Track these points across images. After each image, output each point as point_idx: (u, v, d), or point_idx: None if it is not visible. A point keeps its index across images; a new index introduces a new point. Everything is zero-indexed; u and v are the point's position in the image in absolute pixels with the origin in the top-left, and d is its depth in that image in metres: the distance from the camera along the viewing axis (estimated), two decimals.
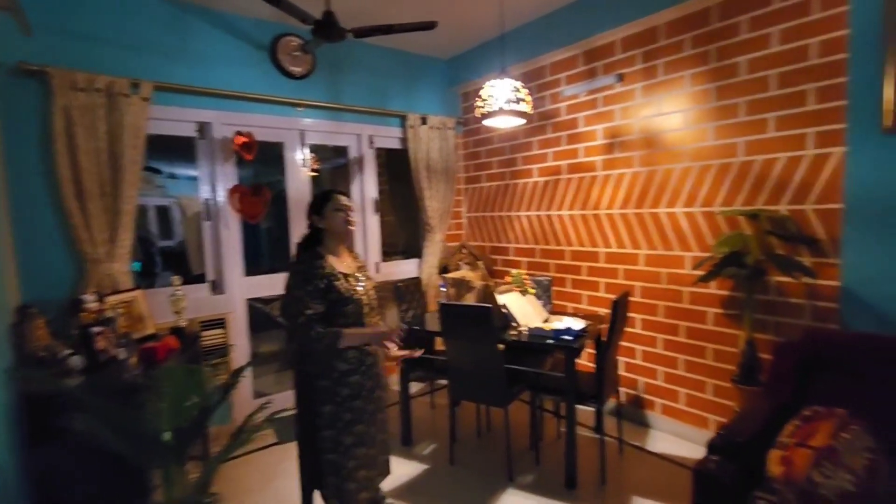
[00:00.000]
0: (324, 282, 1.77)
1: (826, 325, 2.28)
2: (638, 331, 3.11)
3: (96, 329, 1.95)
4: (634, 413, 3.17)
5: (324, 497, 1.89)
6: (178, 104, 2.95)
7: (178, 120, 2.99)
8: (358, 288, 1.88)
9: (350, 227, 1.91)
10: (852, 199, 2.14)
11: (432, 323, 2.97)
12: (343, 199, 1.91)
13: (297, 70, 3.33)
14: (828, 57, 2.21)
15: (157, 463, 1.33)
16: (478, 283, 2.85)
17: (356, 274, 1.93)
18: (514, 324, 2.68)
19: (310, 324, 1.72)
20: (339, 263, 1.89)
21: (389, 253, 4.34)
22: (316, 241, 1.89)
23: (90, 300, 2.08)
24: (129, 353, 2.03)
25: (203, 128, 3.09)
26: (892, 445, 1.64)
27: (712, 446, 1.73)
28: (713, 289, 2.71)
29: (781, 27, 2.35)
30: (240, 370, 1.59)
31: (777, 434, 1.65)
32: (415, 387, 3.66)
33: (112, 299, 2.32)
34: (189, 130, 3.06)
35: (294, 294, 1.77)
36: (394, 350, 1.92)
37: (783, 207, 2.41)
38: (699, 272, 2.59)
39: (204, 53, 3.02)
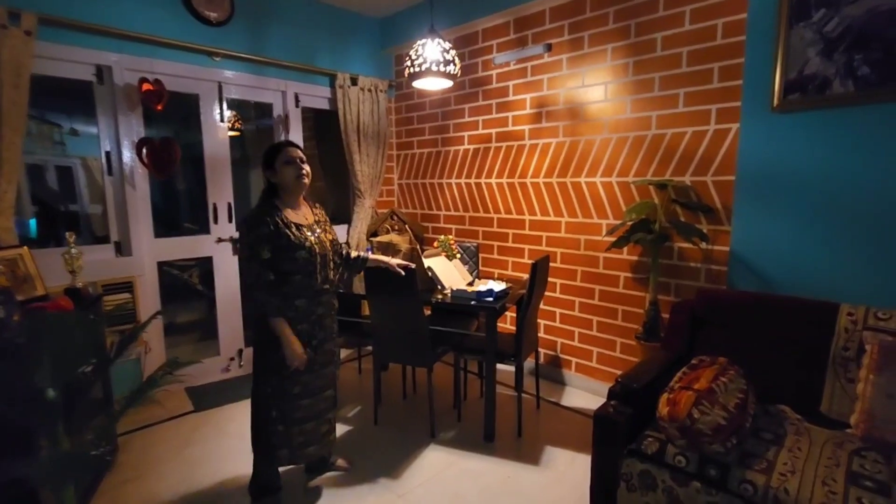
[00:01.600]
0: (270, 227, 1.81)
1: (717, 286, 2.52)
2: (557, 295, 3.27)
3: None
4: (552, 372, 3.36)
5: (272, 447, 1.93)
6: (71, 42, 2.63)
7: (72, 61, 2.67)
8: (310, 237, 1.90)
9: (303, 181, 1.92)
10: (742, 171, 2.35)
11: (359, 287, 2.94)
12: (292, 151, 1.90)
13: (213, 15, 3.07)
14: (730, 38, 2.38)
15: (39, 421, 1.23)
16: (404, 247, 2.85)
17: (312, 225, 1.96)
18: (439, 286, 2.72)
19: (260, 282, 1.79)
20: (294, 215, 1.92)
21: None
22: (272, 195, 1.92)
23: None
24: (10, 312, 1.83)
25: (102, 71, 2.78)
26: (759, 386, 1.88)
27: (611, 393, 1.88)
28: (625, 254, 2.89)
29: (693, 6, 2.49)
30: (142, 325, 1.49)
31: (669, 382, 1.82)
32: (343, 353, 3.64)
33: None
34: (86, 74, 2.75)
35: (244, 242, 1.82)
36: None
37: (688, 178, 2.60)
38: (611, 238, 2.76)
39: None
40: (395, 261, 2.35)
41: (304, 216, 1.96)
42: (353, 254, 2.23)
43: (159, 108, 2.86)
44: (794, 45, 2.13)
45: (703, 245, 2.53)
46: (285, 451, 1.95)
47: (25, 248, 2.26)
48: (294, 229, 1.87)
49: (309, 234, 1.92)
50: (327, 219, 2.10)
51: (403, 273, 2.34)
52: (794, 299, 2.04)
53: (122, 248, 2.96)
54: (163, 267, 3.21)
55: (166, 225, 3.50)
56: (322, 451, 2.09)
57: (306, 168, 1.92)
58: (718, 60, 2.43)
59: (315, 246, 1.91)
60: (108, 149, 2.87)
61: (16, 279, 2.16)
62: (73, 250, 2.33)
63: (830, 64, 2.05)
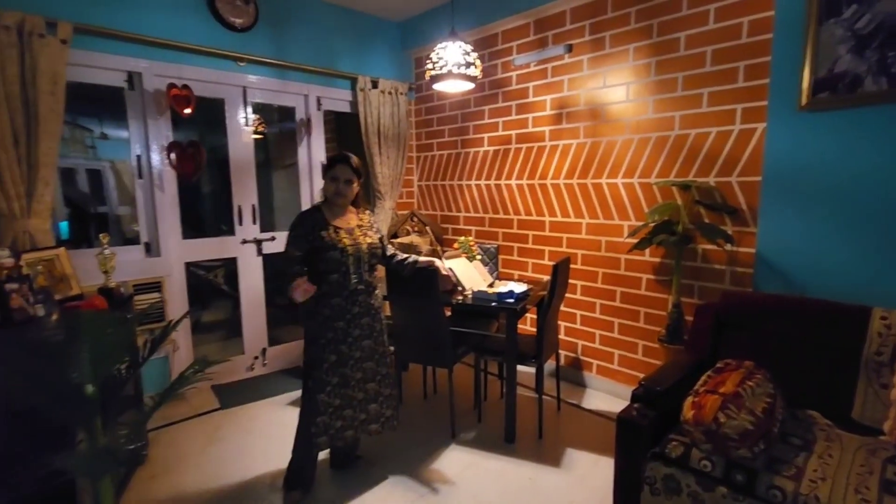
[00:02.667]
0: (307, 229, 1.98)
1: (742, 288, 2.48)
2: (578, 297, 3.25)
3: (11, 286, 1.81)
4: (572, 374, 3.34)
5: (313, 434, 2.05)
6: (104, 50, 2.72)
7: (104, 68, 2.77)
8: (345, 239, 2.03)
9: (338, 199, 2.06)
10: (769, 172, 2.30)
11: (380, 288, 2.97)
12: (339, 171, 2.04)
13: (238, 21, 3.15)
14: (756, 36, 2.34)
15: (79, 416, 1.28)
16: (425, 248, 2.88)
17: (352, 229, 2.09)
18: (459, 288, 2.73)
19: (284, 257, 1.99)
20: (336, 219, 2.07)
21: None
22: (324, 199, 2.10)
23: (4, 255, 1.92)
24: (49, 311, 1.91)
25: (133, 78, 2.88)
26: (787, 391, 1.84)
27: (635, 396, 1.87)
28: (647, 256, 2.86)
29: (717, 5, 2.45)
30: (173, 324, 1.53)
31: (693, 385, 1.80)
32: None
33: (29, 256, 2.16)
34: (118, 80, 2.85)
35: (287, 238, 2.02)
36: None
37: (712, 179, 2.56)
38: (633, 240, 2.73)
39: None
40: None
41: (346, 220, 2.10)
42: (400, 257, 2.32)
43: (187, 112, 2.94)
44: (823, 42, 2.08)
45: (728, 247, 2.49)
46: (324, 438, 2.08)
47: (62, 248, 2.34)
48: (331, 231, 2.01)
49: (345, 236, 2.04)
50: (373, 224, 2.22)
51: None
52: (824, 302, 2.00)
53: (152, 249, 3.05)
54: (189, 267, 3.30)
55: (192, 226, 3.59)
56: (358, 435, 2.19)
57: (344, 189, 2.05)
58: (744, 59, 2.39)
59: (349, 248, 2.02)
60: (138, 153, 2.96)
61: (53, 279, 2.24)
62: (106, 251, 2.41)
63: (862, 61, 2.00)
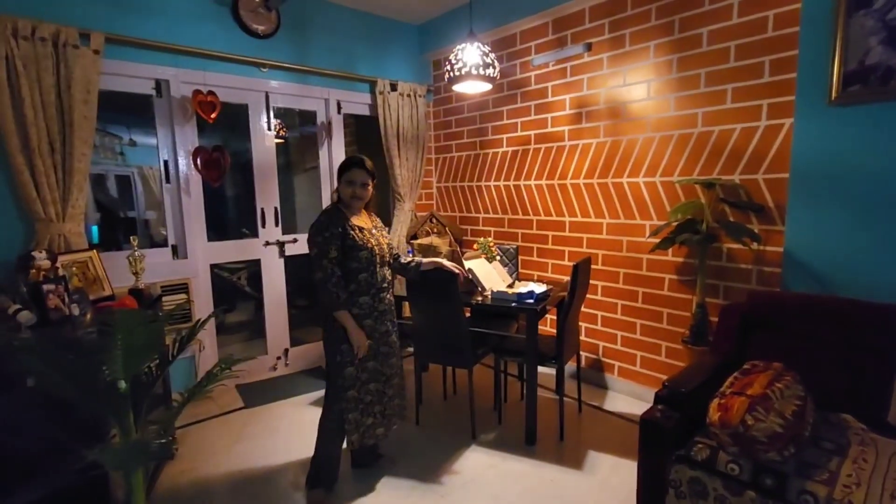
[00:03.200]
0: (339, 229, 2.00)
1: (769, 288, 2.42)
2: (599, 297, 3.21)
3: (48, 286, 1.89)
4: (593, 375, 3.30)
5: (345, 432, 2.10)
6: (133, 59, 2.81)
7: (133, 76, 2.86)
8: (371, 239, 2.09)
9: (356, 202, 2.09)
10: (797, 168, 2.24)
11: (400, 289, 2.99)
12: (354, 174, 2.07)
13: (260, 28, 3.22)
14: (782, 30, 2.28)
15: (113, 411, 1.32)
16: (445, 249, 2.88)
17: (371, 229, 2.15)
18: (479, 288, 2.74)
19: (330, 278, 1.97)
20: (357, 220, 2.12)
21: None
22: (339, 202, 2.12)
23: (41, 257, 2.00)
24: (84, 310, 1.98)
25: (160, 85, 2.96)
26: (818, 394, 1.79)
27: (658, 397, 1.84)
28: (670, 256, 2.82)
29: None
30: (201, 323, 1.58)
31: (719, 387, 1.76)
32: None
33: (65, 258, 2.25)
34: (146, 88, 2.94)
35: (315, 242, 1.99)
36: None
37: (737, 177, 2.51)
38: (655, 239, 2.69)
39: (160, 5, 2.87)
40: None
41: (364, 221, 2.16)
42: (405, 259, 2.37)
43: (213, 117, 3.02)
44: (853, 34, 2.02)
45: (755, 245, 2.43)
46: (356, 436, 2.11)
47: (95, 251, 2.43)
48: (358, 231, 2.06)
49: (370, 236, 2.10)
50: (382, 225, 2.29)
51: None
52: (856, 302, 1.93)
53: (179, 252, 3.13)
54: (214, 269, 3.38)
55: (216, 229, 3.67)
56: (387, 432, 2.23)
57: (360, 192, 2.09)
58: (769, 54, 2.34)
59: (375, 247, 2.10)
60: (165, 158, 3.05)
61: (86, 280, 2.33)
62: (136, 253, 2.49)
63: (895, 52, 1.93)
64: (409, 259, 2.39)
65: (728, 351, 2.14)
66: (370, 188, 2.13)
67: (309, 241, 2.04)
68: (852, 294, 2.04)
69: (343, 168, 2.10)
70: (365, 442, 2.13)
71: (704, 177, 2.61)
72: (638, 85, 2.87)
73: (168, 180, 3.08)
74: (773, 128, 2.36)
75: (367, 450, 2.35)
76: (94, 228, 3.57)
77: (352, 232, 2.03)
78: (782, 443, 1.52)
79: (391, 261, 2.27)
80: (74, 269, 2.26)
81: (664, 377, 2.87)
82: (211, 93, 3.02)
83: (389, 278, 2.22)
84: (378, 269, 2.11)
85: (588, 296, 3.22)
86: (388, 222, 4.16)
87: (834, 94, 2.08)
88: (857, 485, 1.43)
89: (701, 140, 2.63)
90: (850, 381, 1.85)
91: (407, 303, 2.83)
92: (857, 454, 1.58)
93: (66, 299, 1.95)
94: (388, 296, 2.21)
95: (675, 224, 2.58)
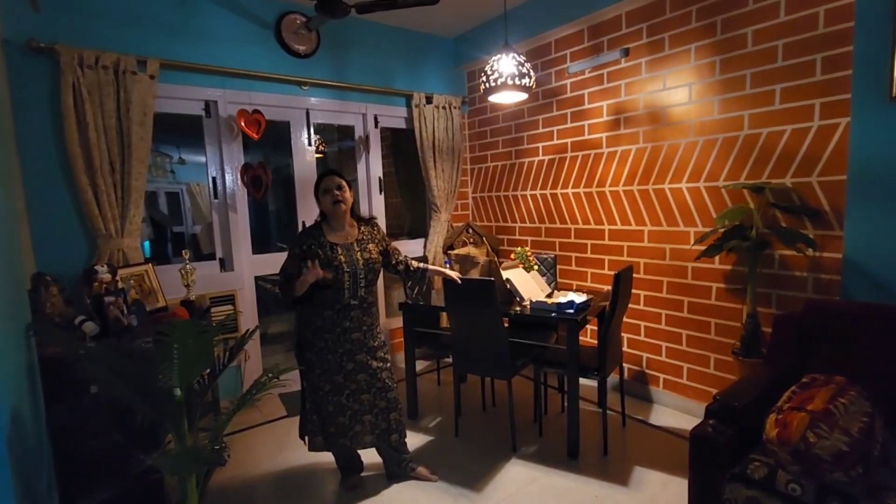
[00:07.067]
0: (302, 248, 2.04)
1: (827, 296, 2.28)
2: (642, 307, 3.12)
3: (109, 298, 2.01)
4: (638, 388, 3.20)
5: (309, 433, 2.18)
6: (184, 82, 2.98)
7: (185, 98, 3.02)
8: (341, 256, 2.06)
9: (339, 207, 2.07)
10: (855, 170, 2.12)
11: (438, 299, 3.01)
12: (328, 181, 2.08)
13: (301, 48, 3.34)
14: (834, 26, 2.18)
15: (169, 418, 1.39)
16: (482, 259, 2.88)
17: (350, 244, 2.11)
18: (517, 298, 2.71)
19: (281, 274, 2.07)
20: (335, 236, 2.11)
21: (395, 234, 4.38)
22: (323, 219, 2.14)
23: (103, 271, 2.13)
24: (141, 321, 2.09)
25: (209, 106, 3.12)
26: (887, 410, 1.66)
27: (710, 411, 1.76)
28: (717, 264, 2.71)
29: None
30: (249, 333, 1.63)
31: (775, 401, 1.67)
32: (420, 364, 3.72)
33: (123, 272, 2.38)
34: (196, 109, 3.10)
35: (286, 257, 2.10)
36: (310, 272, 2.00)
37: (788, 180, 2.40)
38: (700, 247, 2.60)
39: (209, 31, 3.04)
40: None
41: (345, 236, 2.13)
42: (409, 266, 2.39)
43: (256, 136, 3.15)
44: None
45: (810, 252, 2.30)
46: (320, 439, 2.17)
47: (150, 264, 2.56)
48: (327, 249, 2.06)
49: (341, 253, 2.07)
50: (376, 236, 2.23)
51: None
52: None
53: (226, 264, 3.26)
54: (258, 281, 3.49)
55: (259, 243, 3.81)
56: (355, 447, 2.22)
57: (341, 195, 2.07)
58: (821, 51, 2.23)
59: (344, 265, 2.06)
60: (213, 175, 3.20)
61: (143, 292, 2.46)
62: (188, 266, 2.61)
63: None
64: (415, 266, 2.40)
65: (784, 363, 2.03)
66: (348, 192, 2.11)
67: None
68: None
69: (316, 183, 2.12)
70: (329, 449, 2.21)
71: (753, 181, 2.51)
72: (679, 88, 2.80)
73: (216, 196, 3.22)
74: (827, 128, 2.25)
75: (348, 461, 2.36)
76: (146, 243, 3.77)
77: (319, 250, 2.04)
78: (849, 462, 1.43)
79: (394, 272, 2.33)
80: (132, 281, 2.39)
81: (714, 390, 2.75)
82: (256, 111, 3.15)
83: (365, 295, 2.14)
84: (346, 287, 2.07)
85: (630, 305, 3.13)
86: (424, 233, 4.20)
87: (895, 91, 1.97)
88: None
89: (748, 143, 2.53)
90: None
91: (445, 313, 2.84)
92: None
93: (125, 310, 2.06)
94: (361, 315, 2.13)
95: (721, 231, 2.48)
